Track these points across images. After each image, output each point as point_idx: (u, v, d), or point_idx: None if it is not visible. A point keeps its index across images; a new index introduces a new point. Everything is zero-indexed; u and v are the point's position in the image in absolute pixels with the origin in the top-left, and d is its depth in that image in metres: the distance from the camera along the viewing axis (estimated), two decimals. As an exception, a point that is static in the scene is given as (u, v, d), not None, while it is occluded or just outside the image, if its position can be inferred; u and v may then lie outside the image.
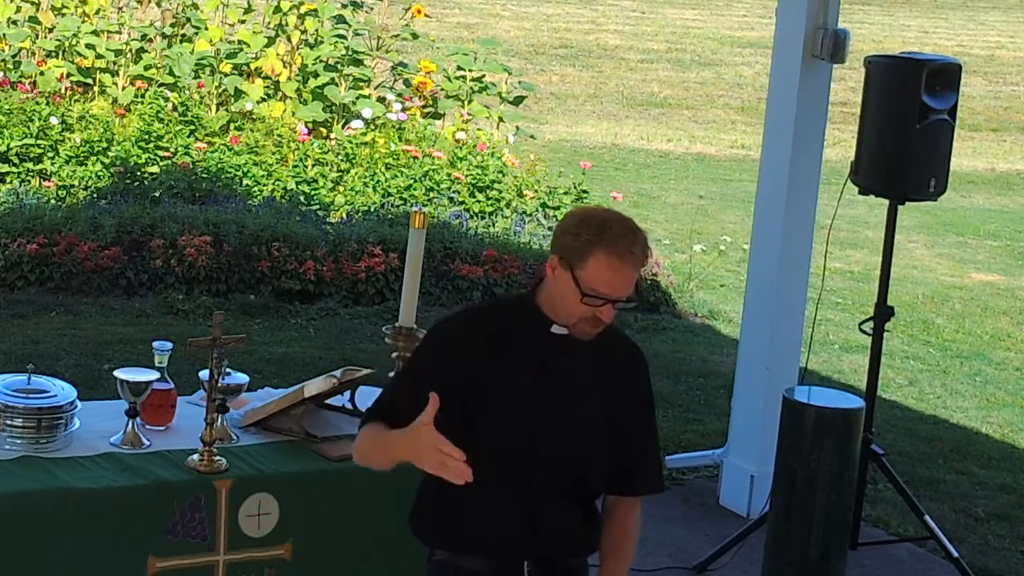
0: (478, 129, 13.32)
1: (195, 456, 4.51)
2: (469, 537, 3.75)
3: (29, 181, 11.60)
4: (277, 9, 13.54)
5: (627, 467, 3.85)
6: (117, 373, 4.64)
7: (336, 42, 13.35)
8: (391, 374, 4.75)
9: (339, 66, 13.26)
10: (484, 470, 3.60)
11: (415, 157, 12.12)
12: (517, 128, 13.62)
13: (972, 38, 27.50)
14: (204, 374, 4.62)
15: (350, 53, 13.29)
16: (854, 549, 6.45)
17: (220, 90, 12.95)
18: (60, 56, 13.13)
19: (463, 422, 3.65)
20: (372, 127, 12.65)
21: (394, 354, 4.99)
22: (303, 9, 13.44)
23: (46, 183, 11.44)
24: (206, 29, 13.49)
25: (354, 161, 12.04)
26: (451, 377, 3.68)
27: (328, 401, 4.97)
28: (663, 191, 15.21)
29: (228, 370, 4.69)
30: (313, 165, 11.95)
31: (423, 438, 3.54)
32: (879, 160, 6.50)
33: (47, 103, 12.13)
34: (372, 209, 11.28)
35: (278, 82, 13.17)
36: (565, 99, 20.66)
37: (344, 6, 13.65)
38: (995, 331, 10.91)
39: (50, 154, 11.78)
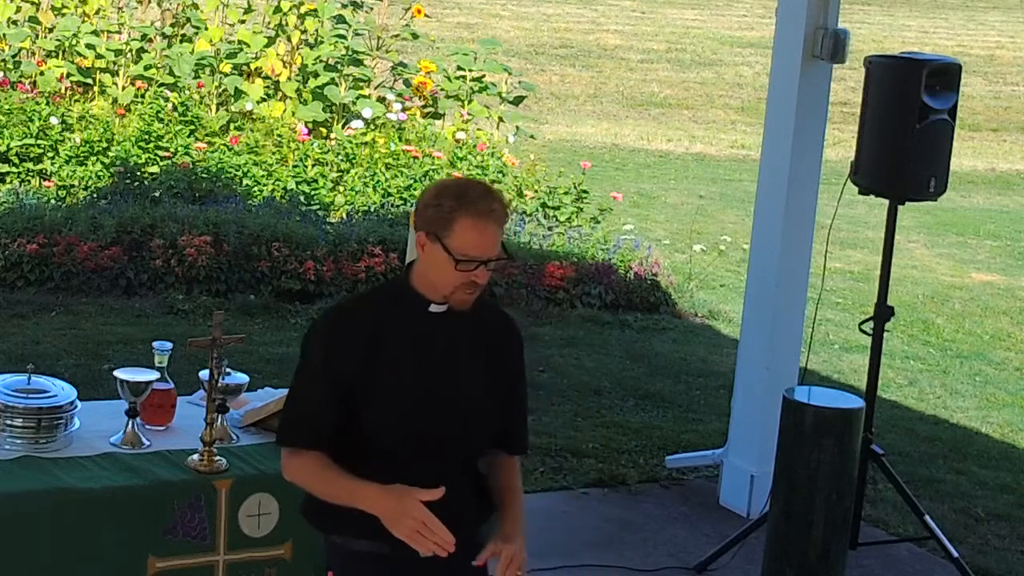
0: (478, 129, 13.32)
1: (195, 456, 4.51)
2: (369, 521, 3.70)
3: (29, 181, 11.60)
4: (277, 9, 13.54)
5: (506, 431, 3.93)
6: (117, 373, 4.64)
7: (336, 42, 13.35)
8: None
9: (339, 66, 13.26)
10: (382, 455, 3.70)
11: (415, 157, 12.12)
12: (517, 128, 13.61)
13: (972, 38, 27.51)
14: (204, 374, 4.62)
15: (350, 53, 13.29)
16: (854, 549, 6.45)
17: (220, 90, 12.95)
18: (60, 56, 13.13)
19: (356, 411, 3.72)
20: (372, 127, 12.65)
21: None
22: (303, 9, 13.44)
23: (46, 183, 11.44)
24: (206, 29, 13.49)
25: (354, 161, 12.04)
26: (342, 373, 3.73)
27: (328, 401, 4.97)
28: (663, 191, 15.21)
29: (228, 370, 4.69)
30: (313, 165, 11.95)
31: (410, 511, 3.60)
32: (879, 160, 6.49)
33: (47, 103, 12.12)
34: (372, 209, 11.28)
35: (278, 82, 13.17)
36: (565, 99, 20.66)
37: (344, 6, 13.65)
38: (995, 331, 10.91)
39: (50, 154, 11.78)
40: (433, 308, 3.80)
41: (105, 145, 11.75)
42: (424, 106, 13.43)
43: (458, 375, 3.81)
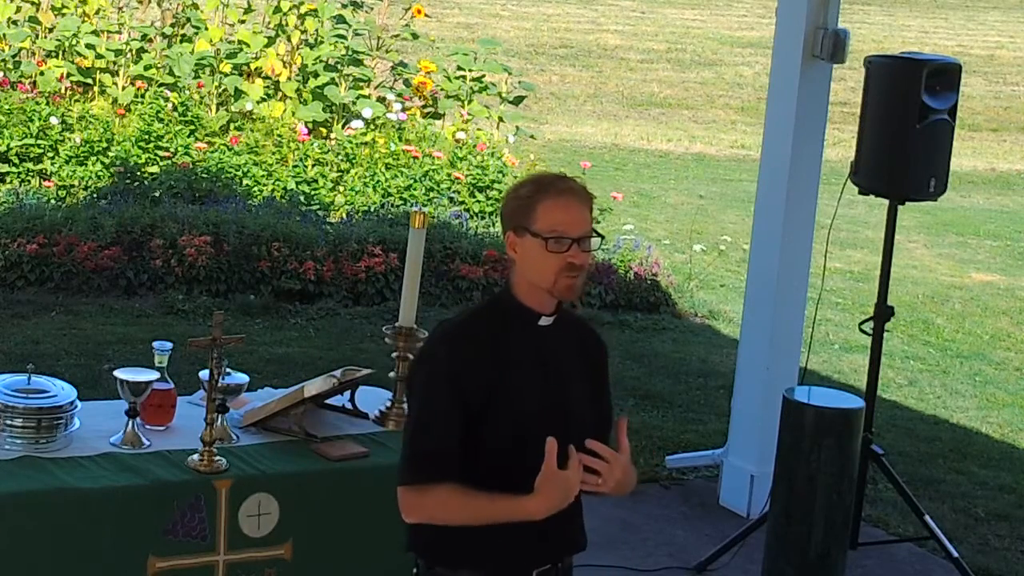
0: (478, 129, 13.32)
1: (195, 456, 4.51)
2: (476, 551, 3.69)
3: (29, 181, 11.60)
4: (277, 9, 13.54)
5: (599, 437, 3.90)
6: (117, 373, 4.64)
7: (336, 42, 13.35)
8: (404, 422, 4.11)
9: (339, 66, 13.26)
10: (496, 471, 3.63)
11: (415, 157, 12.12)
12: (517, 128, 13.62)
13: (972, 38, 27.50)
14: (204, 374, 4.62)
15: (350, 53, 13.29)
16: (854, 549, 6.45)
17: (220, 90, 12.95)
18: (60, 56, 13.13)
19: (475, 430, 3.65)
20: (372, 127, 12.65)
21: (394, 354, 5.00)
22: (303, 9, 13.44)
23: (46, 183, 11.43)
24: (206, 29, 13.48)
25: (354, 161, 12.04)
26: (469, 397, 3.64)
27: (328, 401, 4.97)
28: (663, 191, 15.21)
29: (228, 370, 4.68)
30: (313, 165, 11.95)
31: (566, 488, 3.58)
32: (879, 160, 6.50)
33: (47, 103, 12.12)
34: (372, 209, 11.28)
35: (278, 82, 13.17)
36: (565, 99, 20.66)
37: (344, 6, 13.65)
38: (995, 331, 10.91)
39: (50, 154, 11.78)
40: (543, 321, 3.75)
41: (105, 145, 11.75)
42: (424, 106, 13.43)
43: (565, 388, 3.78)
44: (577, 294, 3.74)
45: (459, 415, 3.62)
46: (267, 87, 13.15)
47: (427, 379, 3.69)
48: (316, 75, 13.14)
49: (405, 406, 4.36)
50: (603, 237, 3.76)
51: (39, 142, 11.78)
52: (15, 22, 13.36)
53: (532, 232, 3.65)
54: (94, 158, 11.66)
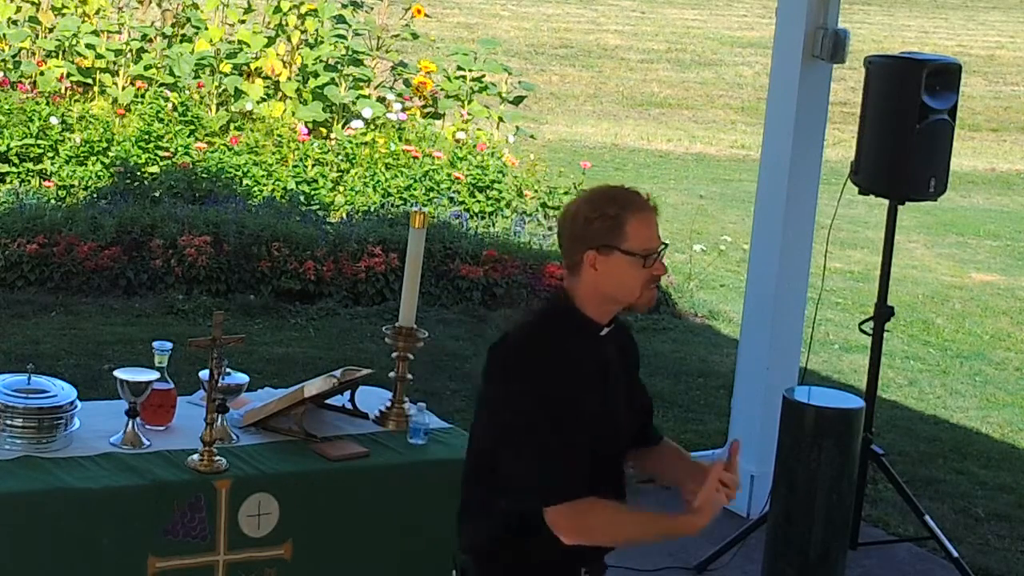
0: (478, 129, 13.32)
1: (195, 456, 4.51)
2: (541, 554, 3.75)
3: (29, 181, 11.60)
4: (277, 9, 13.54)
5: (648, 423, 4.07)
6: (117, 373, 4.64)
7: (336, 42, 13.35)
8: (518, 442, 3.82)
9: (339, 66, 13.26)
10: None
11: (415, 157, 12.12)
12: (517, 128, 13.62)
13: (972, 38, 27.50)
14: (204, 374, 4.62)
15: (350, 53, 13.30)
16: (854, 549, 6.45)
17: (220, 90, 12.95)
18: (60, 56, 13.13)
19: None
20: (372, 127, 12.66)
21: (394, 354, 5.00)
22: (303, 9, 13.44)
23: (46, 183, 11.44)
24: (206, 29, 13.49)
25: (354, 161, 12.04)
26: (564, 413, 3.69)
27: (328, 401, 4.97)
28: (663, 191, 15.20)
29: (228, 370, 4.68)
30: (313, 165, 11.95)
31: (719, 498, 3.77)
32: (879, 160, 6.50)
33: (47, 103, 12.13)
34: (372, 209, 11.28)
35: (278, 82, 13.17)
36: (565, 99, 20.66)
37: (344, 6, 13.65)
38: (995, 331, 10.91)
39: (50, 154, 11.78)
40: (603, 332, 3.84)
41: (105, 145, 11.75)
42: (424, 106, 13.44)
43: (617, 395, 3.87)
44: (654, 302, 3.88)
45: (571, 423, 3.68)
46: (267, 87, 13.15)
47: (525, 401, 3.69)
48: (316, 75, 13.14)
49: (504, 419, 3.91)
50: (667, 245, 3.83)
51: (39, 142, 11.78)
52: (15, 22, 13.37)
53: (623, 250, 3.72)
54: (94, 158, 11.66)
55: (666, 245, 3.82)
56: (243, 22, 13.87)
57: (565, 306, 3.81)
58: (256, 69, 13.23)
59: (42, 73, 12.77)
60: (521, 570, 3.81)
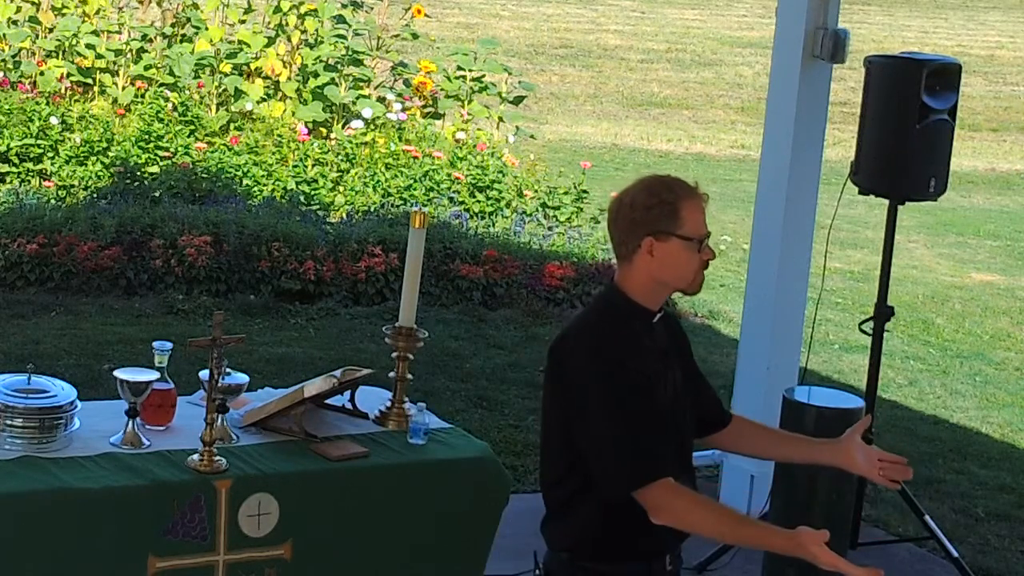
0: (478, 129, 13.32)
1: (195, 456, 4.51)
2: (633, 544, 3.85)
3: (29, 181, 11.60)
4: (277, 9, 13.55)
5: (709, 412, 4.10)
6: (117, 373, 4.63)
7: (336, 42, 13.35)
8: (605, 425, 3.84)
9: (339, 66, 13.27)
10: None
11: (415, 157, 12.12)
12: (517, 128, 13.62)
13: (972, 38, 27.51)
14: (204, 374, 4.62)
15: (350, 53, 13.30)
16: (854, 549, 6.45)
17: (220, 90, 12.95)
18: (60, 56, 13.13)
19: None
20: (372, 127, 12.66)
21: (394, 354, 4.99)
22: (303, 9, 13.44)
23: (46, 183, 11.44)
24: (206, 29, 13.49)
25: (354, 161, 12.04)
26: (646, 392, 3.77)
27: (328, 401, 4.97)
28: (663, 191, 15.19)
29: (228, 370, 4.68)
30: (313, 165, 11.95)
31: (820, 556, 3.64)
32: (879, 160, 6.50)
33: (47, 103, 12.13)
34: (372, 209, 11.29)
35: (278, 82, 13.17)
36: (565, 99, 20.67)
37: (344, 6, 13.66)
38: (995, 331, 10.91)
39: (50, 154, 11.78)
40: (655, 319, 3.90)
41: (105, 145, 11.75)
42: (424, 106, 13.44)
43: (676, 381, 3.92)
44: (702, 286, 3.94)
45: (654, 411, 3.75)
46: (267, 87, 13.15)
47: (607, 391, 3.75)
48: (316, 75, 13.14)
49: (595, 417, 3.87)
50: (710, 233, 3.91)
51: (39, 142, 11.78)
52: (15, 22, 13.37)
53: (679, 235, 3.78)
54: (94, 158, 11.66)
55: (709, 233, 3.90)
56: (243, 22, 13.88)
57: (618, 298, 3.88)
58: (256, 69, 13.24)
59: (42, 73, 12.77)
60: (614, 562, 3.87)
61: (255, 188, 11.50)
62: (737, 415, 4.18)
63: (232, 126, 12.66)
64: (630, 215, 3.81)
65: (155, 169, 11.51)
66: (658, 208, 3.79)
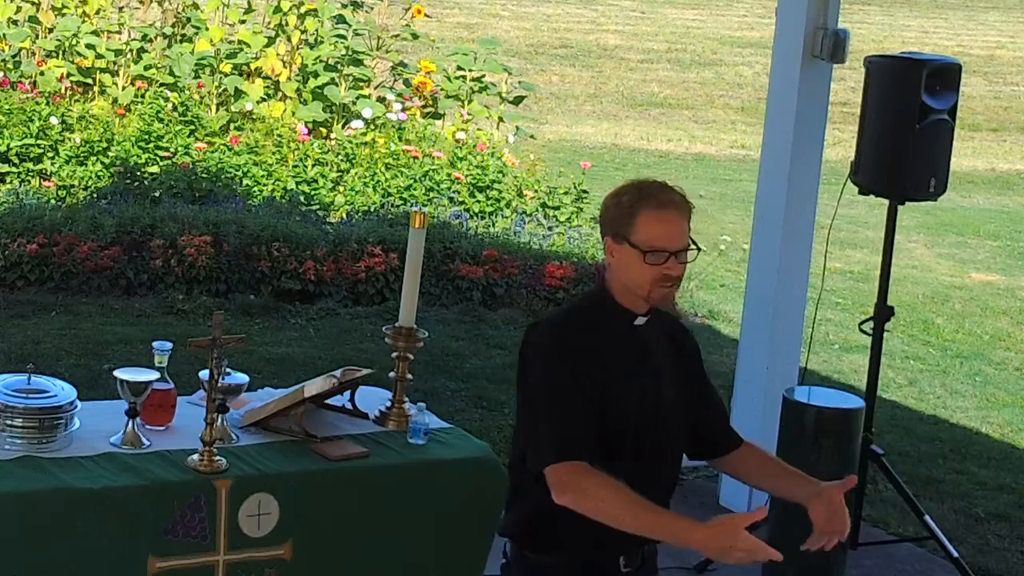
0: (478, 129, 13.32)
1: (195, 456, 4.50)
2: (569, 537, 3.77)
3: (29, 181, 11.60)
4: (277, 9, 13.55)
5: (713, 431, 4.00)
6: (117, 373, 4.63)
7: (336, 42, 13.35)
8: (537, 405, 3.90)
9: (339, 66, 13.27)
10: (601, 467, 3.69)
11: (415, 157, 12.12)
12: (517, 128, 13.62)
13: (972, 38, 27.50)
14: (204, 374, 4.62)
15: (350, 53, 13.30)
16: (854, 549, 6.45)
17: (220, 90, 12.95)
18: (60, 56, 13.13)
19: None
20: (372, 127, 12.66)
21: (394, 354, 4.99)
22: (303, 9, 13.44)
23: (46, 183, 11.44)
24: (206, 29, 13.49)
25: (354, 161, 12.04)
26: (585, 383, 3.71)
27: (328, 401, 4.97)
28: (663, 191, 15.19)
29: (228, 370, 4.68)
30: (313, 165, 11.95)
31: (739, 544, 3.62)
32: (879, 160, 6.50)
33: (47, 103, 12.13)
34: (372, 209, 11.29)
35: (278, 82, 13.17)
36: (565, 99, 20.66)
37: (344, 6, 13.66)
38: (995, 331, 10.91)
39: (50, 154, 11.78)
40: (638, 321, 3.83)
41: (105, 145, 11.75)
42: (424, 106, 13.44)
43: (659, 387, 3.84)
44: (671, 301, 3.84)
45: (583, 398, 3.67)
46: (267, 87, 13.15)
47: (550, 370, 3.72)
48: (316, 75, 13.14)
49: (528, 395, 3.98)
50: (701, 249, 3.81)
51: (39, 142, 11.78)
52: (15, 22, 13.37)
53: (630, 243, 3.72)
54: (94, 158, 11.66)
55: (698, 249, 3.81)
56: (243, 22, 13.88)
57: (599, 293, 3.87)
58: (256, 69, 13.23)
59: (42, 73, 12.77)
60: (554, 554, 3.82)
61: (255, 188, 11.50)
62: (748, 442, 4.08)
63: (232, 126, 12.66)
64: (601, 213, 3.81)
65: (155, 169, 11.51)
66: (615, 210, 3.75)
